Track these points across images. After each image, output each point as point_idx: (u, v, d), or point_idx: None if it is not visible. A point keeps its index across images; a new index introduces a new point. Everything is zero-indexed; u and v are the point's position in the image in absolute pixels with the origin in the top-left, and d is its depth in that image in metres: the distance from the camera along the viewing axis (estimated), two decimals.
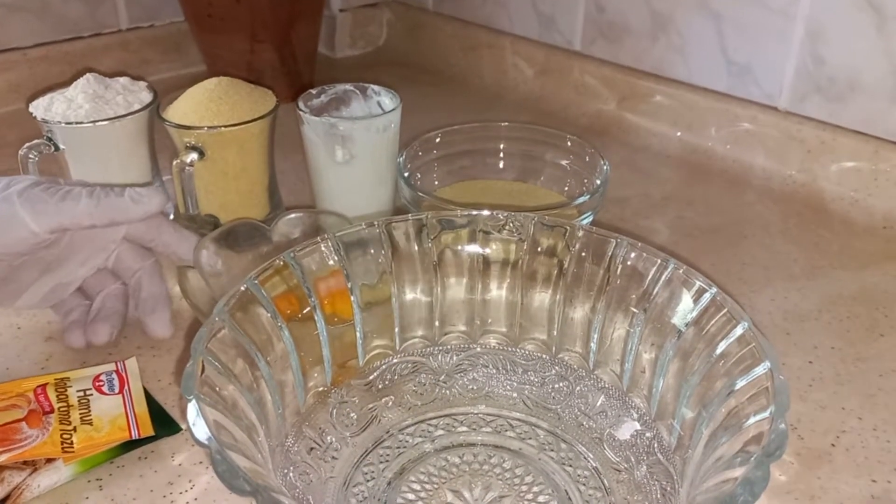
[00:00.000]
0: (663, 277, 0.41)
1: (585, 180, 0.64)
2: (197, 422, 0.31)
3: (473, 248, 0.46)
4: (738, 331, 0.37)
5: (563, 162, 0.66)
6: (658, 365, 0.41)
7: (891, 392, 0.50)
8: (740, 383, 0.35)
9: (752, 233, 0.67)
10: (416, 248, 0.45)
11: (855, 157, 0.70)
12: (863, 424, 0.47)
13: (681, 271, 0.41)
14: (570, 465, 0.43)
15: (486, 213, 0.45)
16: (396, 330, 0.46)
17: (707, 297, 0.39)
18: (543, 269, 0.46)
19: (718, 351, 0.38)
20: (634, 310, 0.43)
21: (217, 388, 0.34)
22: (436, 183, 0.66)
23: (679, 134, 0.81)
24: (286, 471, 0.39)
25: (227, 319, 0.37)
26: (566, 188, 0.66)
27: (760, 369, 0.35)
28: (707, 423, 0.36)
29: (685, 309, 0.40)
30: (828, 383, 0.51)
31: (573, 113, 0.89)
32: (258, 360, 0.38)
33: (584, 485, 0.42)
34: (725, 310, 0.38)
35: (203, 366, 0.34)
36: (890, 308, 0.57)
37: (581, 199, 0.57)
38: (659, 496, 0.39)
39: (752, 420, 0.33)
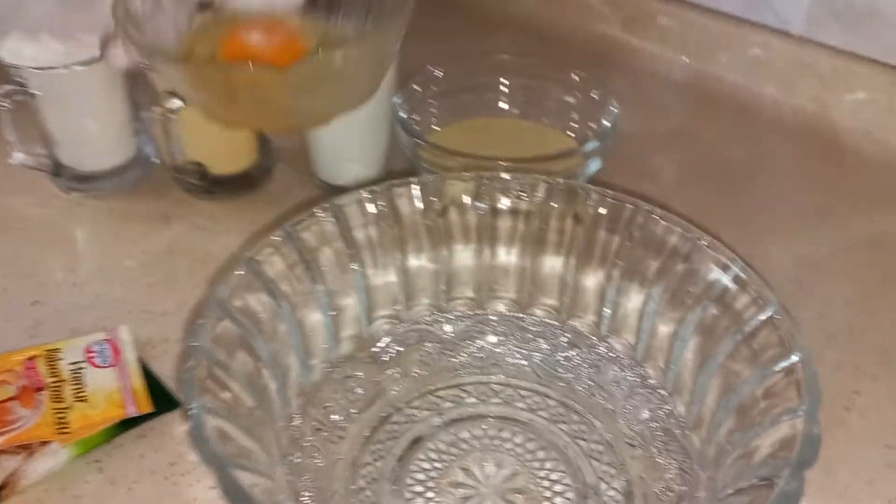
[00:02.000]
0: (685, 248, 0.39)
1: (591, 119, 0.61)
2: (199, 440, 0.29)
3: (481, 207, 0.44)
4: (766, 313, 0.35)
5: (569, 99, 0.63)
6: (677, 339, 0.40)
7: None
8: (768, 373, 0.34)
9: (761, 171, 0.65)
10: (421, 214, 0.43)
11: (870, 87, 0.67)
12: (877, 385, 0.47)
13: (704, 242, 0.39)
14: (583, 439, 0.42)
15: (491, 175, 0.43)
16: (401, 297, 0.44)
17: (731, 272, 0.37)
18: (554, 234, 0.43)
19: (744, 332, 0.36)
20: (652, 281, 0.41)
21: (218, 391, 0.32)
22: (434, 124, 0.63)
23: (687, 60, 0.77)
24: (293, 456, 0.38)
25: (225, 310, 0.35)
26: (573, 126, 0.62)
27: (790, 359, 0.33)
28: (731, 409, 0.35)
29: (708, 283, 0.38)
30: (841, 339, 0.50)
31: (575, 37, 0.84)
32: (259, 349, 0.36)
33: (597, 460, 0.41)
34: (751, 288, 0.36)
35: (204, 369, 0.32)
36: None
37: (590, 146, 0.55)
38: (676, 475, 0.39)
39: (782, 420, 0.31)
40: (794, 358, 0.33)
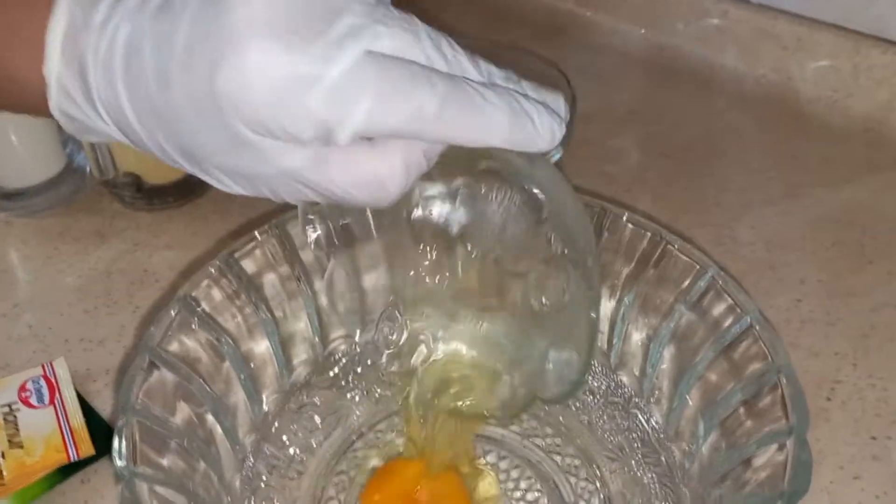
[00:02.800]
0: (656, 253, 0.37)
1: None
2: None
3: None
4: (745, 322, 0.33)
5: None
6: (652, 347, 0.38)
7: (884, 330, 0.47)
8: (750, 388, 0.32)
9: (725, 147, 0.62)
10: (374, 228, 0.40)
11: (833, 54, 0.64)
12: (858, 372, 0.45)
13: (676, 247, 0.36)
14: (559, 454, 0.40)
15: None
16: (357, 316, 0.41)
17: (707, 277, 0.35)
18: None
19: (722, 342, 0.34)
20: (623, 287, 0.38)
21: (155, 455, 0.29)
22: None
23: (643, 31, 0.74)
24: (248, 501, 0.35)
25: (158, 358, 0.32)
26: None
27: (774, 373, 0.31)
28: (714, 424, 0.33)
29: (681, 290, 0.36)
30: (818, 324, 0.48)
31: (525, 11, 0.81)
32: (200, 395, 0.33)
33: (574, 476, 0.39)
34: (728, 294, 0.34)
35: (136, 429, 0.29)
36: (876, 230, 0.54)
37: None
38: (658, 491, 0.37)
39: (771, 443, 0.29)
40: (778, 373, 0.31)
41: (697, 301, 0.35)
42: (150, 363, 0.31)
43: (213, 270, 0.35)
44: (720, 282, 0.34)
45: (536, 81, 0.58)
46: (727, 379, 0.33)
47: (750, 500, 0.28)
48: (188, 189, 0.58)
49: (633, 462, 0.38)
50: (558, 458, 0.40)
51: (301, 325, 0.39)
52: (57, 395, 0.43)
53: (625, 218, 0.38)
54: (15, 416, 0.42)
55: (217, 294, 0.35)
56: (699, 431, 0.34)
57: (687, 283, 0.35)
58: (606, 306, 0.39)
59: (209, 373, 0.34)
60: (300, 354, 0.40)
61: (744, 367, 0.32)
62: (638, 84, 0.70)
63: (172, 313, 0.33)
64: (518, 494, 0.38)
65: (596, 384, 0.41)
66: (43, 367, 0.45)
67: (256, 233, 0.37)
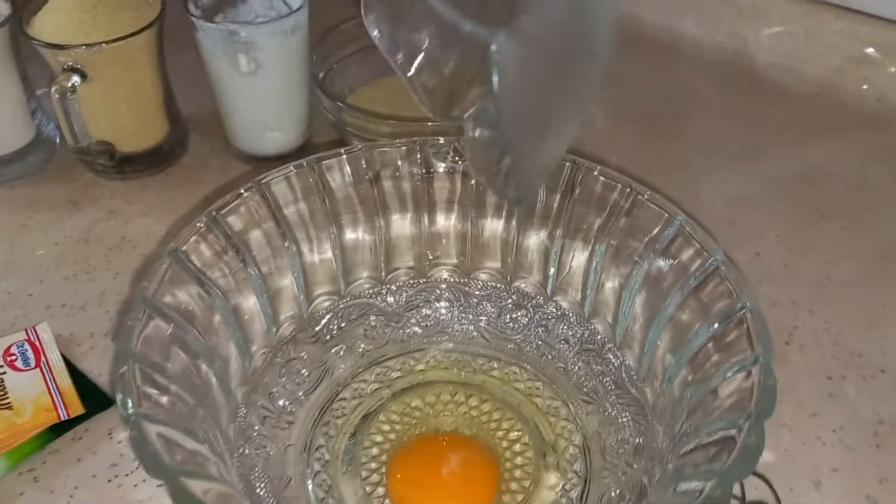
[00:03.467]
0: (627, 203, 0.39)
1: None
2: (144, 451, 0.27)
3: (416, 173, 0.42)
4: (711, 264, 0.35)
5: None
6: (624, 294, 0.40)
7: (837, 280, 0.50)
8: (718, 325, 0.34)
9: (688, 112, 0.65)
10: (352, 185, 0.41)
11: (787, 20, 0.67)
12: (814, 319, 0.48)
13: (645, 197, 0.38)
14: (538, 397, 0.42)
15: (423, 140, 0.41)
16: (339, 273, 0.43)
17: (675, 225, 0.37)
18: (494, 196, 0.42)
19: (690, 284, 0.36)
20: (595, 237, 0.40)
21: (157, 395, 0.30)
22: (354, 83, 0.60)
23: None
24: (243, 449, 0.37)
25: (154, 308, 0.32)
26: None
27: (740, 309, 0.33)
28: (684, 362, 0.35)
29: (651, 238, 0.38)
30: (777, 276, 0.51)
31: None
32: (194, 345, 0.34)
33: (554, 416, 0.41)
34: (695, 240, 0.36)
35: (137, 374, 0.30)
36: (830, 187, 0.57)
37: None
38: (632, 428, 0.39)
39: (737, 372, 0.31)
40: (744, 309, 0.33)
41: (666, 248, 0.37)
42: (146, 314, 0.32)
43: (200, 226, 0.36)
44: (688, 228, 0.36)
45: None
46: (696, 318, 0.35)
47: (719, 423, 0.30)
48: (161, 157, 0.58)
49: (607, 403, 0.40)
50: (538, 401, 0.42)
51: (286, 282, 0.41)
52: (42, 357, 0.44)
53: (596, 171, 0.39)
54: (2, 379, 0.42)
55: (205, 250, 0.36)
56: (670, 370, 0.36)
57: (656, 230, 0.37)
58: (579, 258, 0.41)
59: (202, 325, 0.35)
60: (286, 310, 0.41)
61: (711, 306, 0.35)
62: None
63: (164, 267, 0.34)
64: (500, 434, 0.40)
65: (571, 332, 0.43)
66: (26, 331, 0.45)
67: (242, 190, 0.38)
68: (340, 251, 0.42)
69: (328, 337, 0.42)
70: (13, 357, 0.43)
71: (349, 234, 0.42)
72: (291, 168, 0.39)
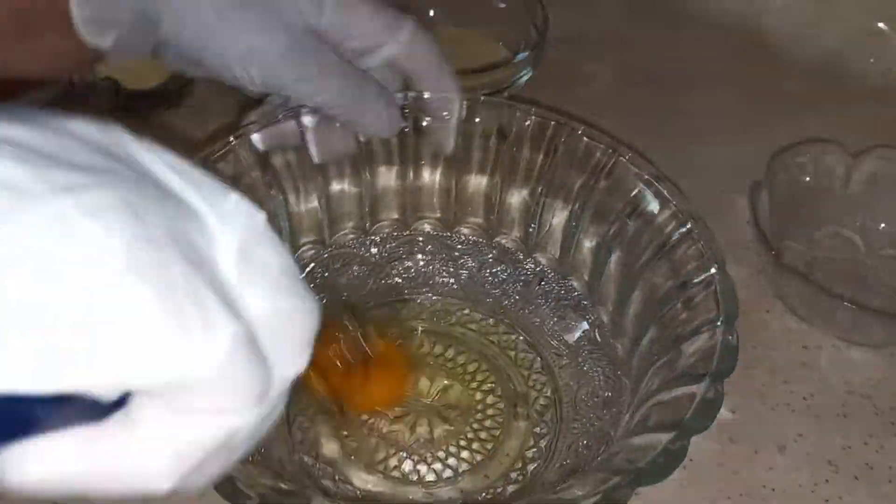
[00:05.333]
0: (608, 164, 0.39)
1: (522, 25, 0.59)
2: None
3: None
4: (686, 227, 0.35)
5: (500, 4, 0.61)
6: (601, 253, 0.40)
7: (824, 255, 0.50)
8: (687, 285, 0.34)
9: (694, 76, 0.64)
10: None
11: None
12: None
13: (626, 158, 0.38)
14: (512, 350, 0.43)
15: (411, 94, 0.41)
16: (325, 223, 0.43)
17: (653, 187, 0.37)
18: (478, 152, 0.43)
19: (664, 245, 0.36)
20: (576, 197, 0.41)
21: None
22: None
23: None
24: None
25: None
26: (503, 32, 0.60)
27: (709, 272, 0.34)
28: (653, 320, 0.36)
29: (630, 199, 0.38)
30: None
31: None
32: None
33: (527, 369, 0.42)
34: (672, 203, 0.37)
35: None
36: None
37: (521, 56, 0.53)
38: (602, 382, 0.40)
39: (702, 331, 0.32)
40: (712, 270, 0.33)
41: (643, 208, 0.38)
42: None
43: None
44: (665, 190, 0.36)
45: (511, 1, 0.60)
46: (667, 279, 0.36)
47: (681, 380, 0.31)
48: (167, 97, 0.58)
49: (579, 358, 0.41)
50: (512, 353, 0.42)
51: None
52: None
53: (580, 131, 0.40)
54: None
55: None
56: (640, 329, 0.37)
57: (635, 192, 0.38)
58: (560, 216, 0.42)
59: None
60: None
61: (682, 267, 0.35)
62: (612, 12, 0.72)
63: None
64: (475, 385, 0.41)
65: (548, 288, 0.43)
66: None
67: (231, 137, 0.38)
68: (326, 201, 0.43)
69: (311, 285, 0.43)
70: None
71: (335, 185, 0.43)
72: (280, 117, 0.40)
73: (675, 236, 0.36)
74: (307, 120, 0.39)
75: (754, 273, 0.49)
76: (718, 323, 0.32)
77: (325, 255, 0.44)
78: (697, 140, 0.58)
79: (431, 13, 0.61)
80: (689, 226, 0.35)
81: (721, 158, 0.56)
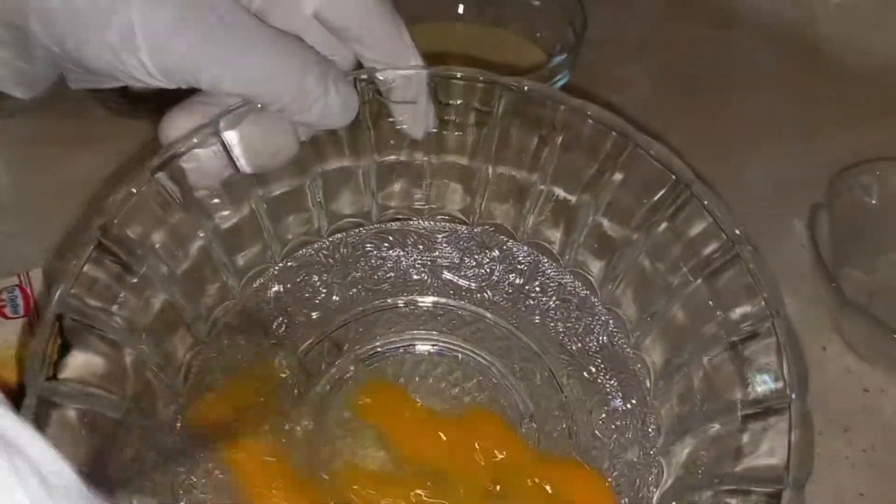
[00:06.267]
0: (622, 156, 0.32)
1: (558, 24, 0.53)
2: None
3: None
4: (730, 249, 0.30)
5: (534, 1, 0.56)
6: (615, 257, 0.35)
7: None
8: (737, 336, 0.29)
9: (740, 82, 0.57)
10: None
11: None
12: None
13: (651, 153, 0.31)
14: (509, 358, 0.36)
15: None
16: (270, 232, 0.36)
17: (681, 186, 0.31)
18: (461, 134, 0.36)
19: (704, 269, 0.31)
20: (584, 190, 0.34)
21: None
22: None
23: None
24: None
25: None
26: (537, 32, 0.56)
27: (760, 309, 0.28)
28: (697, 358, 0.31)
29: (657, 201, 0.32)
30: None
31: None
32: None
33: (529, 381, 0.36)
34: (705, 211, 0.30)
35: None
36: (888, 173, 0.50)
37: (557, 60, 0.48)
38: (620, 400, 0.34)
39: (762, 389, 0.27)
40: (772, 318, 0.28)
41: (674, 214, 0.31)
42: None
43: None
44: (696, 189, 0.30)
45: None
46: (709, 315, 0.31)
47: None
48: (175, 99, 0.54)
49: (592, 368, 0.36)
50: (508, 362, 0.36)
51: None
52: (33, 306, 0.41)
53: (590, 112, 0.32)
54: None
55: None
56: (669, 352, 0.32)
57: (662, 193, 0.31)
58: (563, 205, 0.36)
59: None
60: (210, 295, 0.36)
61: (728, 301, 0.29)
62: (654, 13, 0.66)
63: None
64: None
65: (549, 283, 0.38)
66: (19, 276, 0.42)
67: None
68: (266, 208, 0.35)
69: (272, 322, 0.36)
70: (2, 303, 0.41)
71: (276, 190, 0.36)
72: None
73: (719, 259, 0.30)
74: (230, 135, 0.31)
75: (809, 304, 0.43)
76: (789, 402, 0.26)
77: (277, 270, 0.37)
78: (744, 152, 0.52)
79: (460, 9, 0.57)
80: (736, 251, 0.30)
81: (771, 173, 0.50)
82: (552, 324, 0.37)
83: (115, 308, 0.30)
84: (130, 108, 0.54)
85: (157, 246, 0.32)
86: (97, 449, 0.27)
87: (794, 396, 0.26)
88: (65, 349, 0.27)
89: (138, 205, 0.30)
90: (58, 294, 0.27)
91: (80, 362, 0.28)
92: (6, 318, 0.40)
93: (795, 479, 0.25)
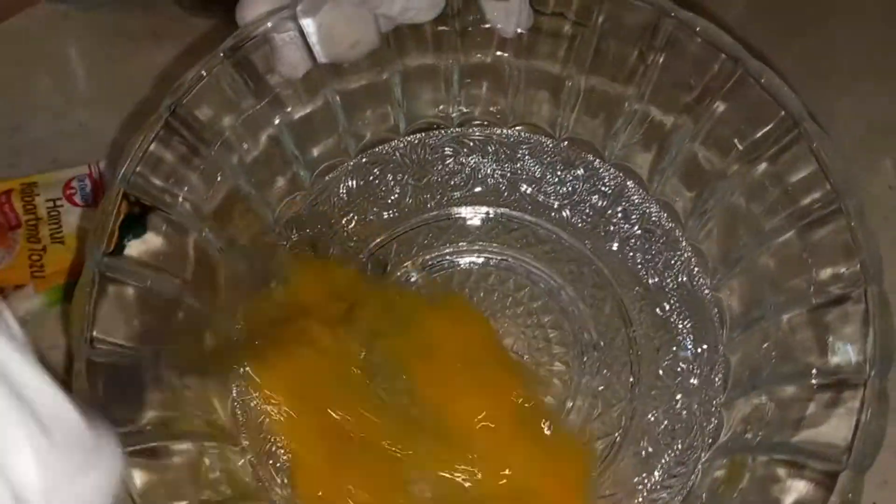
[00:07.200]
0: (731, 79, 0.29)
1: None
2: None
3: None
4: (835, 204, 0.27)
5: None
6: (707, 191, 0.32)
7: None
8: (828, 289, 0.26)
9: (841, 7, 0.52)
10: None
11: None
12: None
13: (762, 81, 0.28)
14: (580, 284, 0.35)
15: None
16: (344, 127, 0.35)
17: (790, 123, 0.28)
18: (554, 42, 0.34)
19: (801, 218, 0.28)
20: (682, 112, 0.32)
21: None
22: None
23: None
24: None
25: None
26: None
27: (854, 272, 0.25)
28: (778, 314, 0.28)
29: (759, 137, 0.29)
30: None
31: None
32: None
33: (599, 310, 0.34)
34: (812, 156, 0.27)
35: None
36: None
37: None
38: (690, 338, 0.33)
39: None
40: (865, 291, 0.25)
41: (777, 154, 0.28)
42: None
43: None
44: (813, 142, 0.27)
45: None
46: (801, 264, 0.28)
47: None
48: None
49: (666, 305, 0.34)
50: (579, 287, 0.35)
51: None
52: (102, 195, 0.42)
53: (698, 28, 0.29)
54: (59, 212, 0.41)
55: None
56: (751, 301, 0.30)
57: (767, 129, 0.28)
58: (656, 127, 0.33)
59: None
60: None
61: (823, 254, 0.27)
62: None
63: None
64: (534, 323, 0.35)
65: (632, 209, 0.35)
66: (90, 166, 0.43)
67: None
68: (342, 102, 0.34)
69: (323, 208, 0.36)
70: (73, 191, 0.41)
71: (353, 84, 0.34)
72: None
73: (819, 211, 0.27)
74: (307, 22, 0.30)
75: (891, 247, 0.38)
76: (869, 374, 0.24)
77: (350, 167, 0.36)
78: (839, 84, 0.46)
79: None
80: (838, 203, 0.27)
81: (865, 110, 0.44)
82: (631, 253, 0.35)
83: (180, 190, 0.30)
84: (203, 6, 0.53)
85: (227, 131, 0.31)
86: (151, 328, 0.28)
87: (873, 374, 0.24)
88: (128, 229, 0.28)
89: (209, 87, 0.30)
90: (122, 170, 0.28)
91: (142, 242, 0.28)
92: (75, 205, 0.40)
93: (857, 462, 0.23)
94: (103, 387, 0.25)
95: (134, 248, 0.28)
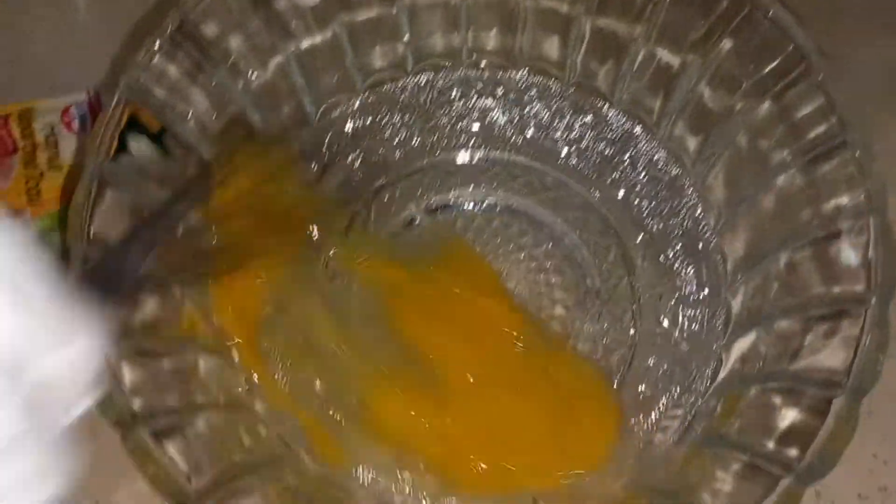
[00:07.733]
0: (739, 15, 0.28)
1: None
2: None
3: None
4: (838, 139, 0.26)
5: None
6: (713, 133, 0.32)
7: None
8: (828, 227, 0.26)
9: None
10: None
11: None
12: None
13: (770, 14, 0.28)
14: (583, 230, 0.35)
15: None
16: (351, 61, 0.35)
17: (798, 57, 0.27)
18: None
19: (805, 154, 0.28)
20: (689, 50, 0.31)
21: None
22: None
23: None
24: None
25: None
26: None
27: (858, 203, 0.25)
28: (781, 251, 0.28)
29: (766, 73, 0.29)
30: None
31: None
32: None
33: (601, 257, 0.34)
34: (819, 90, 0.27)
35: None
36: None
37: None
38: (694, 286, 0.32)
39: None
40: (870, 216, 0.25)
41: (783, 90, 0.28)
42: None
43: None
44: (819, 75, 0.27)
45: None
46: (803, 201, 0.28)
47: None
48: None
49: (670, 252, 0.33)
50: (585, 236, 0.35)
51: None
52: None
53: None
54: (56, 138, 0.41)
55: None
56: (757, 244, 0.29)
57: (774, 64, 0.28)
58: (664, 69, 0.32)
59: None
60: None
61: (827, 191, 0.26)
62: None
63: None
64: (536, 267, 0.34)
65: (639, 155, 0.35)
66: (88, 92, 0.43)
67: None
68: (349, 33, 0.34)
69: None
70: (70, 118, 0.42)
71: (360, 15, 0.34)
72: None
73: (823, 148, 0.27)
74: None
75: None
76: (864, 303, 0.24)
77: (357, 104, 0.36)
78: (855, 29, 0.45)
79: None
80: (842, 137, 0.26)
81: (889, 57, 0.44)
82: (636, 201, 0.35)
83: (183, 105, 0.30)
84: None
85: (234, 54, 0.31)
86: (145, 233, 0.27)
87: (874, 301, 0.23)
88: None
89: (215, 3, 0.29)
90: (124, 79, 0.28)
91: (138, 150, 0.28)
92: (73, 132, 0.40)
93: (854, 386, 0.22)
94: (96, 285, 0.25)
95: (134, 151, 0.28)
